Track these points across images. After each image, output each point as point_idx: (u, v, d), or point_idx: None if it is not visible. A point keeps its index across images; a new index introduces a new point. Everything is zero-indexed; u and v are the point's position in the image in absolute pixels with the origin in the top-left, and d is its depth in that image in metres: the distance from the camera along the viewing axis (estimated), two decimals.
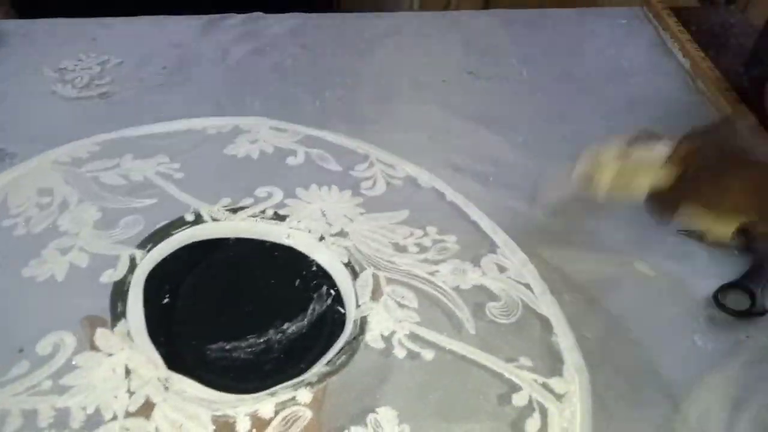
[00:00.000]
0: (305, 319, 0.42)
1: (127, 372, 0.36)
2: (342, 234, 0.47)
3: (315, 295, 0.43)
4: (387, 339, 0.39)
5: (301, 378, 0.36)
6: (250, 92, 0.61)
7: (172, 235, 0.45)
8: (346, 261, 0.45)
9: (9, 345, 0.37)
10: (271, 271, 0.45)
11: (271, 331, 0.41)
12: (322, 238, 0.46)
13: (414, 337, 0.40)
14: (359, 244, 0.46)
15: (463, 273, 0.45)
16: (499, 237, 0.49)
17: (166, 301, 0.42)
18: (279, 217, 0.48)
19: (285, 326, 0.41)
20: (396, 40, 0.61)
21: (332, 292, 0.43)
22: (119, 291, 0.41)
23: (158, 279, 0.43)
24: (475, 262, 0.46)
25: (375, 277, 0.43)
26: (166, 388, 0.35)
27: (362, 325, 0.40)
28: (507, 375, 0.38)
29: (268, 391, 0.35)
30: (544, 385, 0.38)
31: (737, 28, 0.68)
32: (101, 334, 0.37)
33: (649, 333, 0.42)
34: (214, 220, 0.47)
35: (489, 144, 0.57)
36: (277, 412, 0.34)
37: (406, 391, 0.37)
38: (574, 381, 0.38)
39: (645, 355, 0.41)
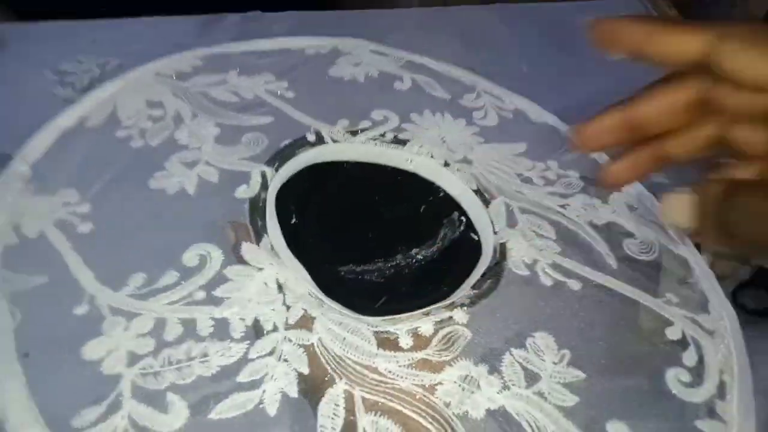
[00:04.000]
0: (435, 245, 0.41)
1: (279, 287, 0.35)
2: (466, 161, 0.46)
3: (445, 221, 0.42)
4: (530, 266, 0.39)
5: (450, 300, 0.36)
6: None
7: (297, 154, 0.43)
8: (475, 188, 0.43)
9: (154, 257, 0.36)
10: (394, 195, 0.44)
11: (399, 256, 0.40)
12: (446, 164, 0.45)
13: (557, 266, 0.39)
14: (485, 172, 0.45)
15: (593, 208, 0.44)
16: None
17: (293, 221, 0.40)
18: (399, 142, 0.46)
19: (414, 251, 0.40)
20: (396, 37, 0.59)
21: (463, 218, 0.42)
22: (256, 207, 0.39)
23: (284, 199, 0.41)
24: (603, 199, 0.45)
25: (507, 206, 0.42)
26: (321, 304, 0.34)
27: (502, 251, 0.39)
28: (657, 309, 0.37)
29: (422, 311, 0.35)
30: (694, 321, 0.37)
31: (738, 20, 0.65)
32: (248, 248, 0.36)
33: None
34: (335, 141, 0.45)
35: None
36: (436, 331, 0.34)
37: (559, 318, 0.36)
38: (722, 318, 0.37)
39: None
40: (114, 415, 0.29)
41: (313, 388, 0.31)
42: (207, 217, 0.39)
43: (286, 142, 0.44)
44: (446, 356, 0.33)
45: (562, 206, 0.43)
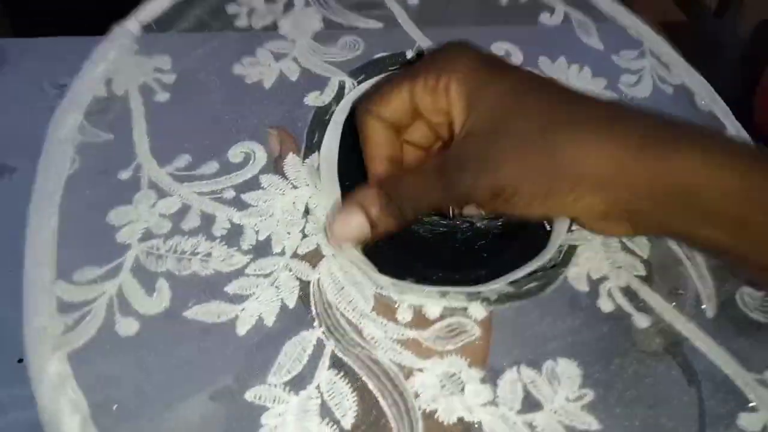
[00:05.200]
0: (501, 218, 0.35)
1: (306, 211, 0.33)
2: None
3: None
4: (594, 283, 0.32)
5: (478, 289, 0.31)
6: None
7: (387, 70, 0.39)
8: None
9: (205, 144, 0.35)
10: None
11: (460, 218, 0.35)
12: None
13: (630, 293, 0.32)
14: None
15: None
16: None
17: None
18: None
19: (474, 217, 0.35)
20: None
21: None
22: (320, 119, 0.37)
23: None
24: None
25: None
26: (340, 248, 0.32)
27: (567, 254, 0.33)
28: (739, 384, 0.29)
29: (439, 289, 0.30)
30: None
31: (726, 39, 0.69)
32: (291, 161, 0.34)
33: None
34: None
35: None
36: (443, 316, 0.30)
37: (600, 353, 0.30)
38: None
39: None
40: (108, 281, 0.30)
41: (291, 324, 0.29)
42: (270, 115, 0.37)
43: (382, 54, 0.40)
44: (441, 346, 0.29)
45: None
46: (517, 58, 0.41)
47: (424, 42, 0.41)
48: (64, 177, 0.34)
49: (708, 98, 0.41)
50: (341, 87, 0.38)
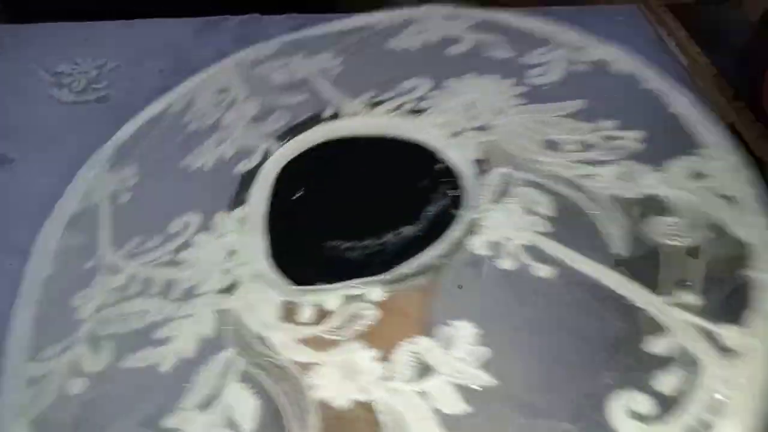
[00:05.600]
0: (420, 222, 0.36)
1: (231, 254, 0.36)
2: (484, 128, 0.39)
3: (432, 197, 0.37)
4: (495, 247, 0.31)
5: (380, 276, 0.31)
6: None
7: (307, 130, 0.43)
8: (477, 158, 0.37)
9: (153, 224, 0.40)
10: (400, 169, 0.41)
11: (389, 233, 0.37)
12: (457, 134, 0.39)
13: (533, 249, 0.31)
14: (502, 139, 0.38)
15: (633, 177, 0.33)
16: (708, 135, 0.35)
17: (298, 195, 0.41)
18: (416, 111, 0.42)
19: (401, 228, 0.37)
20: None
21: (449, 192, 0.37)
22: (247, 180, 0.41)
23: (291, 174, 0.42)
24: (658, 163, 0.34)
25: (506, 176, 0.35)
26: (258, 275, 0.34)
27: (472, 228, 0.33)
28: (651, 311, 0.27)
29: (340, 284, 0.31)
30: (708, 334, 0.25)
31: (732, 25, 0.66)
32: (219, 217, 0.38)
33: None
34: (352, 115, 0.44)
35: None
36: (342, 307, 0.30)
37: (498, 310, 0.29)
38: (759, 336, 0.25)
39: None
40: (65, 353, 0.34)
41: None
42: (207, 189, 0.42)
43: (302, 118, 0.44)
44: (340, 336, 0.29)
45: (585, 176, 0.34)
46: (421, 89, 0.44)
47: (339, 101, 0.45)
48: (44, 277, 0.40)
49: (621, 64, 0.41)
50: (266, 152, 0.42)
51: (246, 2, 0.57)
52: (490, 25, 0.48)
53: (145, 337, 0.33)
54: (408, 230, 0.36)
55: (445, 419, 0.25)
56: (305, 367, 0.28)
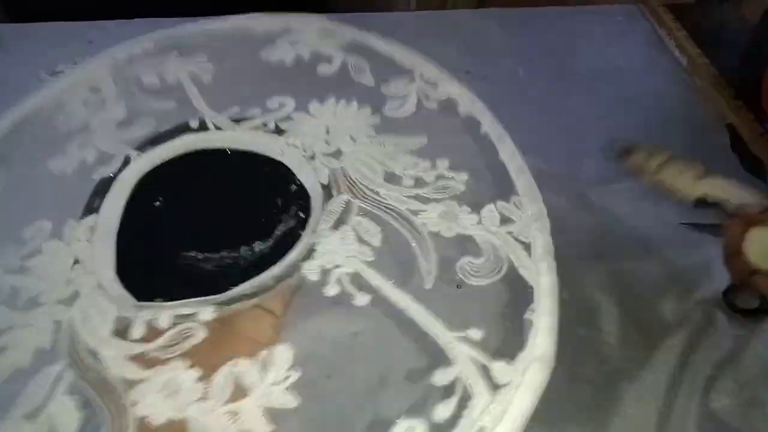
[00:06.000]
0: (271, 240, 0.39)
1: (75, 263, 0.37)
2: (336, 155, 0.42)
3: (283, 216, 0.40)
4: (325, 272, 0.35)
5: (215, 297, 0.34)
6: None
7: (171, 140, 0.44)
8: (325, 183, 0.40)
9: (7, 229, 0.40)
10: (260, 186, 0.43)
11: (243, 248, 0.39)
12: (312, 157, 0.42)
13: (356, 278, 0.34)
14: (349, 167, 0.41)
15: (453, 217, 0.37)
16: (523, 182, 0.39)
17: (157, 204, 0.41)
18: (279, 131, 0.44)
19: (254, 245, 0.39)
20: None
21: (301, 214, 0.39)
22: (102, 187, 0.41)
23: (152, 183, 0.43)
24: (477, 207, 0.38)
25: (347, 204, 0.38)
26: (100, 287, 0.35)
27: (309, 253, 0.36)
28: (441, 344, 0.31)
29: (172, 303, 0.34)
30: (483, 369, 0.30)
31: (732, 25, 0.67)
32: (69, 225, 0.38)
33: None
34: (218, 128, 0.45)
35: None
36: (174, 324, 0.33)
37: (317, 333, 0.32)
38: (524, 373, 0.30)
39: None
40: None
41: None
42: (64, 195, 0.41)
43: (167, 127, 0.45)
44: (168, 354, 0.31)
45: (415, 212, 0.38)
46: (286, 108, 0.46)
47: (207, 113, 0.46)
48: None
49: (466, 106, 0.46)
50: (126, 159, 0.43)
51: (246, 2, 0.57)
52: (359, 48, 0.51)
53: None
54: (259, 246, 0.38)
55: None
56: (130, 384, 0.30)
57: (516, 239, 0.36)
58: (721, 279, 0.42)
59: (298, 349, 0.31)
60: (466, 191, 0.39)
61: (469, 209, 0.38)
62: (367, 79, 0.49)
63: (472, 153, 0.42)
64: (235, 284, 0.36)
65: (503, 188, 0.39)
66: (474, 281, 0.34)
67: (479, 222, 0.37)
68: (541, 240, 0.35)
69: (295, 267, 0.35)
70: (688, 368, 0.38)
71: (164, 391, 0.30)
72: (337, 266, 0.35)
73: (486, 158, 0.42)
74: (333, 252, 0.35)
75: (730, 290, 0.42)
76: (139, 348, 0.32)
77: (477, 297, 0.33)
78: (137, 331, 0.32)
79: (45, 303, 0.35)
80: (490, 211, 0.38)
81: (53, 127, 0.47)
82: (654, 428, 0.35)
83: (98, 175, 0.42)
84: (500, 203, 0.38)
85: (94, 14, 0.64)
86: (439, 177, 0.40)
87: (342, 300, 0.33)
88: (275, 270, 0.35)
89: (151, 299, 0.35)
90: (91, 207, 0.40)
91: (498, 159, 0.41)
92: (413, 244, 0.36)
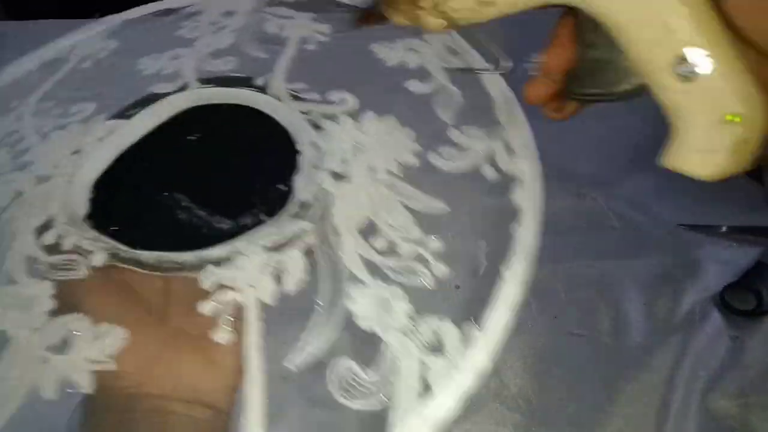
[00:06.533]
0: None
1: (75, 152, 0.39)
2: (337, 177, 0.38)
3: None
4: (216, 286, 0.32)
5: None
6: None
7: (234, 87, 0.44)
8: (303, 200, 0.37)
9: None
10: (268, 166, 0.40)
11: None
12: (316, 167, 0.38)
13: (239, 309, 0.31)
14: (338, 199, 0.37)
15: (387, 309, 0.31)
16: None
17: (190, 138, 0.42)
18: (316, 127, 0.41)
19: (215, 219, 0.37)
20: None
21: (262, 217, 0.37)
22: (147, 100, 0.42)
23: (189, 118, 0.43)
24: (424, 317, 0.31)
25: (301, 232, 0.34)
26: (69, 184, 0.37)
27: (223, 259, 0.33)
28: None
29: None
30: None
31: None
32: (98, 119, 0.41)
33: None
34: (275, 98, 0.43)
35: None
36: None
37: None
38: None
39: None
40: None
41: None
42: (120, 90, 0.44)
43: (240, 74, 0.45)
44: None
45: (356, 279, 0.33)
46: (347, 105, 0.42)
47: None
48: None
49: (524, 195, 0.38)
50: (184, 86, 0.43)
51: None
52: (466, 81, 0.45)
53: None
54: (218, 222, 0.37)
55: None
56: None
57: None
58: (717, 280, 0.44)
59: None
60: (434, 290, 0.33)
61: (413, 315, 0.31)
62: (449, 116, 0.42)
63: (481, 253, 0.35)
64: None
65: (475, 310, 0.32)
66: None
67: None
68: None
69: (199, 265, 0.33)
70: (686, 369, 0.39)
71: None
72: (233, 288, 0.32)
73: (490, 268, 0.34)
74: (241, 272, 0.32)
75: (726, 291, 0.43)
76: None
77: None
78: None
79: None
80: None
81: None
82: (653, 428, 0.36)
83: (157, 88, 0.44)
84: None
85: (93, 14, 0.63)
86: (418, 258, 0.34)
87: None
88: (186, 256, 0.33)
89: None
90: (125, 112, 0.42)
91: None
92: (319, 304, 0.31)
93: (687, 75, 0.25)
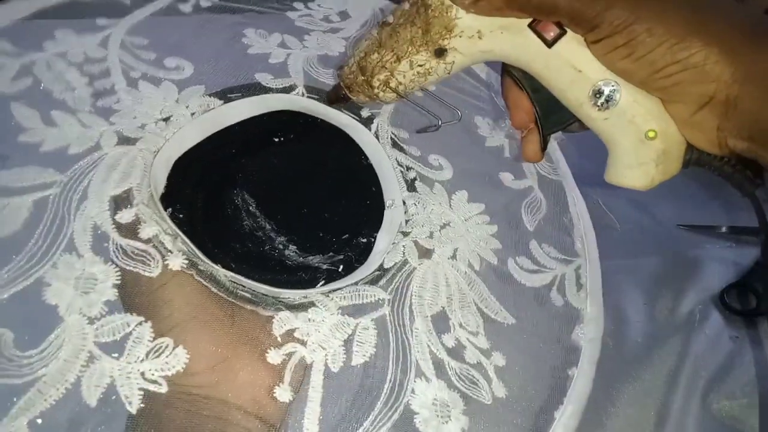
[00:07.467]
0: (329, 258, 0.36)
1: (166, 119, 0.36)
2: (425, 254, 0.37)
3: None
4: (288, 335, 0.30)
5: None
6: None
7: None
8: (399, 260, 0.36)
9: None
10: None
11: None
12: (405, 234, 0.38)
13: (306, 367, 0.30)
14: (416, 282, 0.36)
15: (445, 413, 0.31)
16: None
17: (276, 140, 0.39)
18: (409, 186, 0.40)
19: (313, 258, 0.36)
20: None
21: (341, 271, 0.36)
22: (253, 89, 0.40)
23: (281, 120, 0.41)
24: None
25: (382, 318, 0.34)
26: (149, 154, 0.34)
27: (301, 306, 0.32)
28: None
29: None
30: None
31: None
32: (195, 89, 0.38)
33: None
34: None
35: None
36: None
37: None
38: None
39: None
40: None
41: None
42: (224, 64, 0.41)
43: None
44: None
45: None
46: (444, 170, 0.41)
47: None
48: None
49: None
50: (292, 86, 0.41)
51: None
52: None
53: None
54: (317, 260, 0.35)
55: None
56: None
57: None
58: (718, 280, 0.43)
59: None
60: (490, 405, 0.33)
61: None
62: (532, 223, 0.43)
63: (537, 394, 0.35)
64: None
65: None
66: None
67: None
68: None
69: (273, 304, 0.31)
70: (687, 369, 0.39)
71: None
72: (303, 342, 0.30)
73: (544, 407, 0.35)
74: (314, 327, 0.31)
75: (726, 291, 0.43)
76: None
77: None
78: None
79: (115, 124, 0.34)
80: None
81: None
82: (653, 428, 0.36)
83: (263, 78, 0.41)
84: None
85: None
86: (478, 367, 0.34)
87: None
88: (262, 290, 0.32)
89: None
90: (226, 93, 0.39)
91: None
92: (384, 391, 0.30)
93: (603, 105, 0.28)
